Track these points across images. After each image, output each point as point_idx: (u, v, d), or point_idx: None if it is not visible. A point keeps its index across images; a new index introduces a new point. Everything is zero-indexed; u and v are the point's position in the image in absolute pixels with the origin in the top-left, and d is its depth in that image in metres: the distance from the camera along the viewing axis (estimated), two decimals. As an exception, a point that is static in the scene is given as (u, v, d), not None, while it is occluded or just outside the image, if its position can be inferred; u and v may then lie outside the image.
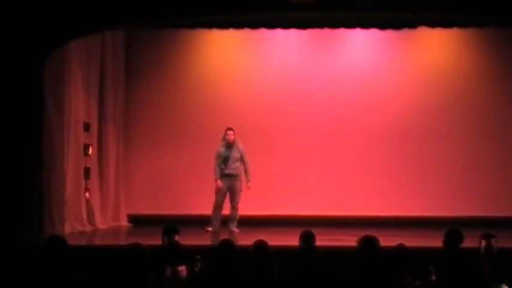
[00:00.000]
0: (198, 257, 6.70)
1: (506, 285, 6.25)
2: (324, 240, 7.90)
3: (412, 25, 12.00)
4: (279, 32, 12.37)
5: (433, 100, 12.53)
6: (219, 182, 10.66)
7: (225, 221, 10.80)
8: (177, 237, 7.14)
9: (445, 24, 11.99)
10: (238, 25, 12.00)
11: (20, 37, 9.50)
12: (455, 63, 12.61)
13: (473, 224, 9.48)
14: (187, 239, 7.64)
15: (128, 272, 5.31)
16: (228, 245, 5.72)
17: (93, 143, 11.66)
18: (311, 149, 12.52)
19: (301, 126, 12.58)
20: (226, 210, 10.84)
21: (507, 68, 12.49)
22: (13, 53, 9.49)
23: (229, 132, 10.74)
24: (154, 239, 7.44)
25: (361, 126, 12.54)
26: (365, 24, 12.06)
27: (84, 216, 11.25)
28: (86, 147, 11.35)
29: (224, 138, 10.76)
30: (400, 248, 6.33)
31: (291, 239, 7.29)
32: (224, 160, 10.67)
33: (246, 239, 8.10)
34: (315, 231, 6.73)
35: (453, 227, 6.68)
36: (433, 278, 6.24)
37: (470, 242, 6.68)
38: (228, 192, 10.76)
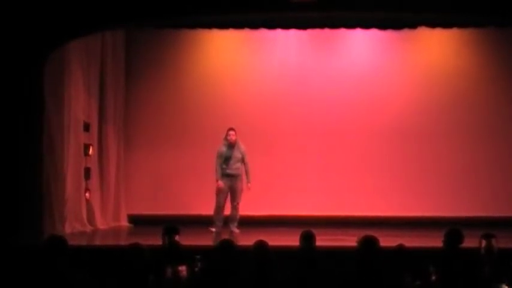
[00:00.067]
0: (198, 257, 6.70)
1: (506, 285, 6.25)
2: (324, 240, 7.90)
3: (412, 25, 12.00)
4: (279, 32, 12.37)
5: (433, 100, 12.53)
6: (220, 182, 10.65)
7: (225, 221, 10.79)
8: (177, 237, 7.14)
9: (445, 24, 11.99)
10: (238, 25, 12.00)
11: (20, 37, 9.50)
12: (455, 63, 12.61)
13: (473, 224, 9.47)
14: (187, 239, 7.64)
15: (128, 272, 5.32)
16: (228, 245, 5.72)
17: (94, 143, 11.66)
18: (311, 149, 12.52)
19: (301, 126, 12.58)
20: (226, 211, 10.84)
21: (507, 68, 12.49)
22: (13, 53, 9.49)
23: (231, 132, 10.73)
24: (155, 239, 7.44)
25: (361, 126, 12.54)
26: (365, 25, 12.06)
27: (85, 216, 11.25)
28: (86, 147, 11.35)
29: (226, 138, 10.74)
30: (400, 248, 6.33)
31: (291, 239, 7.29)
32: (225, 160, 10.66)
33: (246, 239, 8.11)
34: (315, 231, 6.73)
35: (453, 227, 6.69)
36: (433, 278, 6.24)
37: (470, 242, 6.68)
38: (229, 193, 10.76)
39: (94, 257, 8.18)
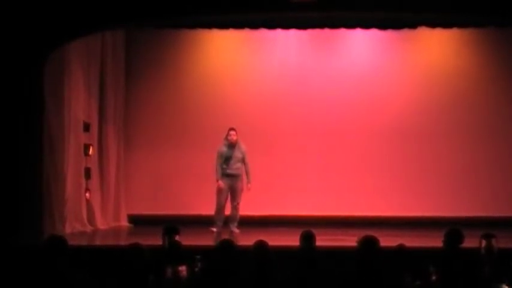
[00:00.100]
0: (198, 257, 6.70)
1: (507, 285, 6.25)
2: (324, 240, 7.90)
3: (412, 25, 12.00)
4: (279, 32, 12.36)
5: (433, 100, 12.52)
6: (220, 182, 10.65)
7: (225, 221, 10.79)
8: (177, 237, 7.14)
9: (445, 24, 11.99)
10: (238, 25, 12.00)
11: (20, 37, 9.50)
12: (455, 63, 12.61)
13: (473, 224, 9.47)
14: (187, 239, 7.63)
15: (128, 272, 5.32)
16: (228, 245, 5.72)
17: (94, 143, 11.66)
18: (311, 149, 12.52)
19: (301, 126, 12.58)
20: (227, 211, 10.83)
21: (507, 68, 12.49)
22: (13, 53, 9.49)
23: (232, 132, 10.73)
24: (155, 239, 7.44)
25: (361, 126, 12.53)
26: (365, 25, 12.06)
27: (85, 216, 11.25)
28: (87, 147, 11.35)
29: (226, 138, 10.73)
30: (400, 248, 6.33)
31: (291, 239, 7.29)
32: (226, 160, 10.65)
33: (246, 239, 8.11)
34: (315, 231, 6.73)
35: (453, 227, 6.68)
36: (433, 278, 6.24)
37: (470, 242, 6.67)
38: (229, 193, 10.76)
39: (94, 257, 8.18)
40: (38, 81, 9.74)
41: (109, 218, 12.08)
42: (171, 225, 7.31)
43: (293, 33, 12.39)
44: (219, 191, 10.69)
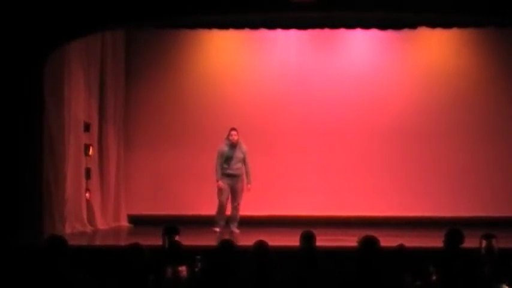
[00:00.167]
0: (198, 257, 6.69)
1: (507, 285, 6.25)
2: (324, 240, 7.89)
3: (412, 25, 12.00)
4: (279, 32, 12.36)
5: (433, 100, 12.52)
6: (220, 182, 10.64)
7: (226, 222, 10.79)
8: (177, 238, 7.14)
9: (445, 24, 11.99)
10: (238, 25, 12.00)
11: (20, 37, 9.50)
12: (455, 63, 12.60)
13: (473, 224, 9.47)
14: (187, 239, 7.63)
15: (128, 272, 5.31)
16: (228, 246, 5.72)
17: (94, 143, 11.66)
18: (311, 149, 12.51)
19: (301, 126, 12.57)
20: (227, 211, 10.83)
21: (507, 68, 12.49)
22: (13, 53, 9.49)
23: (233, 132, 10.72)
24: (155, 239, 7.45)
25: (361, 126, 12.53)
26: (365, 25, 12.05)
27: (85, 216, 11.24)
28: (87, 147, 11.35)
29: (228, 138, 10.73)
30: (400, 248, 6.33)
31: (291, 240, 7.29)
32: (227, 160, 10.65)
33: (246, 240, 8.11)
34: (315, 231, 6.74)
35: (453, 227, 6.68)
36: (434, 278, 6.24)
37: (470, 242, 6.67)
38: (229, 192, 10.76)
39: (94, 257, 8.18)
40: (38, 81, 9.74)
41: (109, 218, 12.08)
42: (171, 225, 7.31)
43: (293, 33, 12.39)
44: (220, 191, 10.68)
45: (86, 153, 11.34)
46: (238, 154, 10.69)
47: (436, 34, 12.40)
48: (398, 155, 12.49)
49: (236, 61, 12.81)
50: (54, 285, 5.21)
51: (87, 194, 11.35)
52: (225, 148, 10.69)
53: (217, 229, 10.60)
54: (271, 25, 12.03)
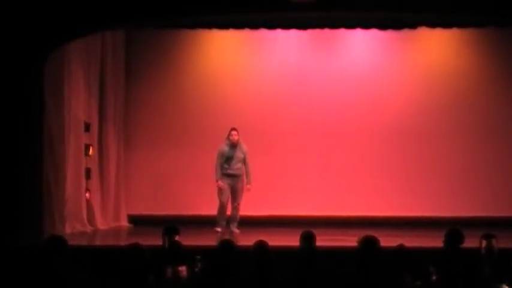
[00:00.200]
0: (198, 257, 6.70)
1: (507, 285, 6.25)
2: (324, 240, 7.89)
3: (412, 25, 12.00)
4: (279, 32, 12.36)
5: (433, 100, 12.52)
6: (220, 182, 10.64)
7: (227, 222, 10.79)
8: (177, 238, 7.14)
9: (445, 24, 11.99)
10: (238, 25, 12.00)
11: (20, 37, 9.50)
12: (455, 63, 12.60)
13: (473, 224, 9.48)
14: (187, 239, 7.63)
15: (128, 272, 5.31)
16: (228, 246, 5.72)
17: (94, 143, 11.65)
18: (311, 149, 12.51)
19: (301, 126, 12.57)
20: (228, 211, 10.83)
21: (507, 68, 12.49)
22: (13, 53, 9.49)
23: (234, 132, 10.72)
24: (155, 239, 7.45)
25: (361, 126, 12.53)
26: (365, 25, 12.05)
27: (85, 216, 11.24)
28: (87, 147, 11.35)
29: (228, 138, 10.73)
30: (400, 248, 6.33)
31: (291, 240, 7.29)
32: (227, 160, 10.65)
33: (246, 240, 8.11)
34: (315, 231, 6.74)
35: (453, 227, 6.68)
36: (434, 278, 6.24)
37: (470, 242, 6.67)
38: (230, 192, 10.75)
39: (94, 257, 8.18)
40: (38, 81, 9.74)
41: (109, 218, 12.08)
42: (171, 225, 7.31)
43: (293, 33, 12.39)
44: (220, 191, 10.69)
45: (86, 153, 11.34)
46: (239, 154, 10.69)
47: (436, 34, 12.40)
48: (398, 155, 12.49)
49: (236, 61, 12.81)
50: (54, 285, 5.21)
51: (87, 194, 11.35)
52: (226, 148, 10.69)
53: (219, 229, 10.60)
54: (271, 25, 12.03)
